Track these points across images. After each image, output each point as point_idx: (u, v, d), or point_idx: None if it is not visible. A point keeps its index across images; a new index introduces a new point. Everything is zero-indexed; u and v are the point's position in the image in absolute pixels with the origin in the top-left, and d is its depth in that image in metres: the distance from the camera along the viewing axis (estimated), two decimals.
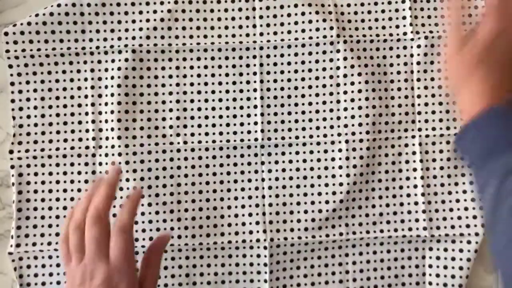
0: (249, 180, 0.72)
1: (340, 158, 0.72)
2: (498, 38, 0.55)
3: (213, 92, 0.72)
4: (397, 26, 0.73)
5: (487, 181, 0.49)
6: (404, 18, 0.72)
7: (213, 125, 0.72)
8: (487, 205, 0.49)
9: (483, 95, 0.54)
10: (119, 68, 0.70)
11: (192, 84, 0.72)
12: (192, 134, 0.72)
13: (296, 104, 0.72)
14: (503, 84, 0.55)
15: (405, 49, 0.73)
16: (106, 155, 0.70)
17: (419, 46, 0.72)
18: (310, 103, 0.72)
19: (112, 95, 0.70)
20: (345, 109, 0.72)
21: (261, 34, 0.72)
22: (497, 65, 0.55)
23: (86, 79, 0.71)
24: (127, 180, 0.70)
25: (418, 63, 0.72)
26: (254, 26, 0.72)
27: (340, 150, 0.72)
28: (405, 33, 0.72)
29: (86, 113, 0.71)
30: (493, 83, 0.55)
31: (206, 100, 0.72)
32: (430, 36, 0.72)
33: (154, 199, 0.71)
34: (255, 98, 0.72)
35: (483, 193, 0.50)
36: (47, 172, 0.71)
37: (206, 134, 0.72)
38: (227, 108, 0.72)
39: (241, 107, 0.72)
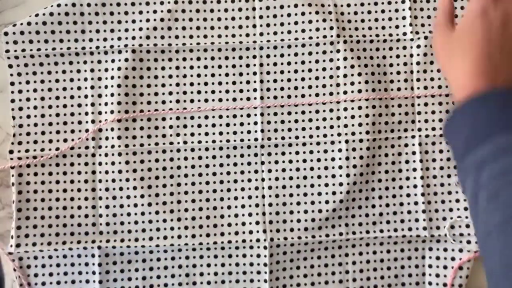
0: (249, 180, 0.72)
1: (340, 158, 0.72)
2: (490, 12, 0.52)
3: (213, 92, 0.72)
4: (397, 26, 0.73)
5: (466, 174, 0.48)
6: (404, 18, 0.73)
7: (213, 125, 0.72)
8: (468, 199, 0.48)
9: (475, 76, 0.51)
10: (119, 68, 0.70)
11: (192, 84, 0.72)
12: (192, 134, 0.72)
13: (296, 104, 0.72)
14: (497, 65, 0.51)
15: (405, 49, 0.73)
16: (106, 155, 0.70)
17: (418, 46, 0.72)
18: (310, 103, 0.72)
19: (112, 95, 0.70)
20: (345, 109, 0.72)
21: (261, 34, 0.72)
22: (495, 44, 0.52)
23: (86, 79, 0.71)
24: (127, 180, 0.70)
25: (418, 63, 0.72)
26: (254, 26, 0.72)
27: (340, 150, 0.72)
28: (404, 33, 0.73)
29: (86, 113, 0.71)
30: (488, 63, 0.51)
31: (206, 100, 0.72)
32: (430, 36, 0.72)
33: (154, 199, 0.71)
34: (255, 98, 0.72)
35: (464, 185, 0.49)
36: (47, 172, 0.71)
37: (206, 134, 0.72)
38: (227, 108, 0.72)
39: (241, 107, 0.72)
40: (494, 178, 0.44)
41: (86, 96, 0.71)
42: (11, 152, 0.70)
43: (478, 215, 0.46)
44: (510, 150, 0.44)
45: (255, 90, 0.72)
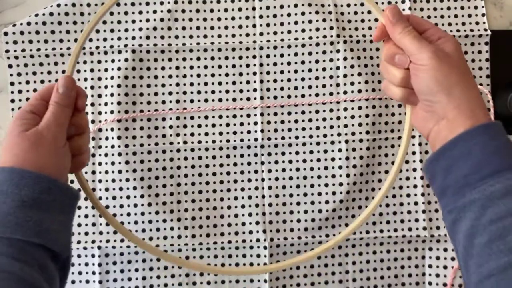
0: (249, 180, 0.72)
1: (340, 158, 0.72)
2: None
3: (213, 92, 0.72)
4: None
5: (464, 211, 0.44)
6: None
7: (213, 125, 0.72)
8: (460, 239, 0.44)
9: (475, 110, 0.46)
10: (119, 68, 0.71)
11: (192, 84, 0.72)
12: (192, 134, 0.72)
13: (296, 104, 0.72)
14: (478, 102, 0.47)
15: None
16: (106, 155, 0.71)
17: None
18: (310, 103, 0.72)
19: (112, 95, 0.70)
20: (345, 109, 0.72)
21: (261, 34, 0.72)
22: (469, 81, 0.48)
23: (86, 79, 0.71)
24: (127, 180, 0.71)
25: None
26: (254, 26, 0.73)
27: (340, 150, 0.72)
28: None
29: (86, 113, 0.71)
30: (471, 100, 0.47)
31: (206, 100, 0.72)
32: None
33: (154, 199, 0.71)
34: (255, 98, 0.72)
35: (457, 224, 0.45)
36: None
37: (206, 134, 0.72)
38: (227, 108, 0.72)
39: (241, 107, 0.72)
40: (500, 219, 0.41)
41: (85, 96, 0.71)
42: None
43: (473, 256, 0.42)
44: None
45: (255, 90, 0.72)
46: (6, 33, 0.70)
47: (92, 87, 0.71)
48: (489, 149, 0.43)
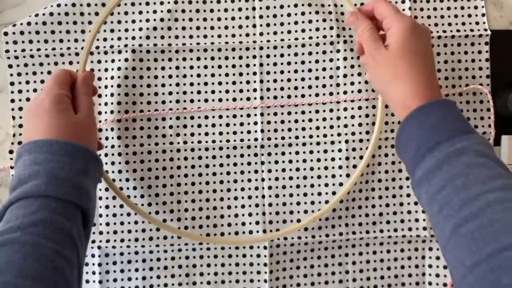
0: (249, 180, 0.73)
1: (340, 158, 0.72)
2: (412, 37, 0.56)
3: (213, 92, 0.72)
4: None
5: (420, 187, 0.52)
6: None
7: (213, 125, 0.72)
8: (425, 210, 0.53)
9: (417, 96, 0.54)
10: (119, 68, 0.71)
11: (192, 84, 0.72)
12: (192, 134, 0.72)
13: (296, 104, 0.72)
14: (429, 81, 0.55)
15: None
16: (106, 155, 0.71)
17: None
18: (310, 103, 0.72)
19: (112, 95, 0.71)
20: (345, 109, 0.72)
21: (261, 34, 0.72)
22: (421, 62, 0.56)
23: None
24: (127, 180, 0.71)
25: None
26: (254, 26, 0.73)
27: (340, 150, 0.72)
28: None
29: None
30: (420, 80, 0.55)
31: (206, 100, 0.72)
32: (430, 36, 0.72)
33: (154, 199, 0.71)
34: (255, 98, 0.72)
35: (420, 198, 0.53)
36: None
37: (206, 134, 0.72)
38: (227, 108, 0.72)
39: (241, 107, 0.72)
40: (443, 187, 0.48)
41: None
42: (11, 152, 0.70)
43: (434, 225, 0.50)
44: (453, 156, 0.49)
45: (255, 90, 0.73)
46: (6, 33, 0.70)
47: None
48: (424, 130, 0.52)
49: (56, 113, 0.54)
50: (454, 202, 0.46)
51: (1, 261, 0.43)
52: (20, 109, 0.71)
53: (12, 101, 0.71)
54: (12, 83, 0.71)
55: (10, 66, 0.71)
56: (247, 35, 0.73)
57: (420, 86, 0.54)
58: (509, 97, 0.71)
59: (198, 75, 0.72)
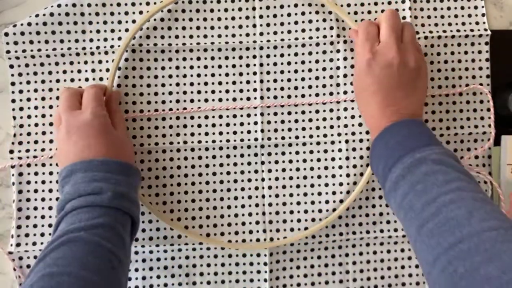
0: (249, 180, 0.73)
1: (340, 158, 0.73)
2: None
3: (213, 92, 0.72)
4: None
5: (389, 198, 0.59)
6: (404, 18, 0.73)
7: (213, 125, 0.72)
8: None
9: (382, 118, 0.62)
10: (119, 68, 0.71)
11: (192, 84, 0.72)
12: (192, 134, 0.72)
13: (296, 104, 0.73)
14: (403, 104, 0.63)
15: None
16: None
17: None
18: (310, 103, 0.73)
19: None
20: (345, 109, 0.72)
21: (261, 34, 0.73)
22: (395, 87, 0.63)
23: (87, 79, 0.71)
24: None
25: None
26: (254, 25, 0.73)
27: (340, 150, 0.73)
28: None
29: None
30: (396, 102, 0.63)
31: (206, 100, 0.72)
32: (430, 36, 0.72)
33: (154, 199, 0.72)
34: (255, 98, 0.73)
35: (392, 207, 0.60)
36: (48, 172, 0.71)
37: (206, 134, 0.72)
38: (227, 108, 0.72)
39: (241, 107, 0.73)
40: (406, 194, 0.55)
41: None
42: (11, 152, 0.71)
43: (405, 230, 0.56)
44: (413, 166, 0.55)
45: (255, 90, 0.73)
46: (6, 34, 0.70)
47: None
48: (389, 148, 0.59)
49: (105, 133, 0.62)
50: (416, 206, 0.53)
51: (66, 255, 0.51)
52: (21, 109, 0.71)
53: (13, 101, 0.71)
54: (13, 83, 0.71)
55: (11, 67, 0.71)
56: (247, 35, 0.73)
57: (379, 107, 0.63)
58: (509, 97, 0.72)
59: (198, 75, 0.72)
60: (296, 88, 0.73)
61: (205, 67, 0.72)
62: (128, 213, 0.59)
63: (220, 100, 0.73)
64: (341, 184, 0.72)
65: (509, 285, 0.40)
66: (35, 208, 0.71)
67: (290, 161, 0.73)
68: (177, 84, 0.72)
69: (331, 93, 0.72)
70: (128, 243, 0.59)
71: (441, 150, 0.57)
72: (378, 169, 0.61)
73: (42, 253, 0.52)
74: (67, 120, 0.62)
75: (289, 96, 0.73)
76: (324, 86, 0.72)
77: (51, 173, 0.71)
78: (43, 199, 0.71)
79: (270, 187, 0.73)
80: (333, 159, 0.73)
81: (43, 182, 0.71)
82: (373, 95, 0.63)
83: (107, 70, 0.71)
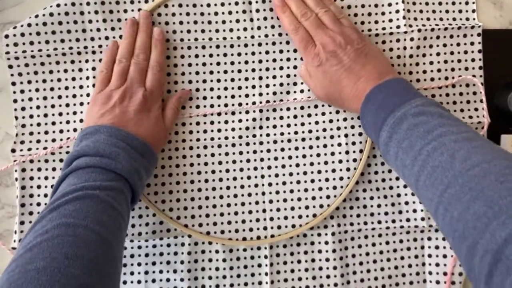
0: (249, 177, 0.74)
1: (340, 153, 0.74)
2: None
3: (211, 89, 0.74)
4: (390, 20, 0.73)
5: (387, 146, 0.61)
6: (397, 11, 0.73)
7: (212, 123, 0.74)
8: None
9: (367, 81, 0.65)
10: None
11: (190, 82, 0.74)
12: (191, 132, 0.74)
13: (294, 99, 0.74)
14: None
15: (398, 42, 0.73)
16: None
17: (412, 39, 0.73)
18: (309, 98, 0.74)
19: None
20: None
21: (259, 28, 0.73)
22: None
23: (88, 78, 0.72)
24: None
25: (411, 56, 0.74)
26: (252, 20, 0.73)
27: (339, 145, 0.74)
28: (398, 26, 0.73)
29: None
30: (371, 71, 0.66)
31: (205, 98, 0.74)
32: (423, 29, 0.73)
33: (153, 198, 0.73)
34: (254, 95, 0.74)
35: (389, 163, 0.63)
36: (51, 168, 0.72)
37: (205, 131, 0.74)
38: (225, 105, 0.74)
39: (240, 104, 0.74)
40: (397, 154, 0.58)
41: (88, 95, 0.72)
42: (13, 151, 0.72)
43: (409, 186, 0.60)
44: (396, 125, 0.58)
45: (253, 86, 0.74)
46: (6, 36, 0.71)
47: (94, 86, 0.72)
48: (373, 114, 0.62)
49: (157, 120, 0.68)
50: (407, 163, 0.56)
51: (83, 209, 0.54)
52: (23, 109, 0.72)
53: (15, 101, 0.72)
54: (13, 83, 0.72)
55: (11, 67, 0.71)
56: (245, 29, 0.73)
57: (356, 98, 0.66)
58: (509, 97, 0.73)
59: (197, 73, 0.73)
60: (295, 84, 0.74)
61: (204, 64, 0.73)
62: (134, 189, 0.63)
63: (219, 97, 0.74)
64: (341, 178, 0.74)
65: (496, 219, 0.42)
66: (38, 204, 0.72)
67: (290, 157, 0.74)
68: (175, 82, 0.74)
69: None
70: (129, 214, 0.64)
71: (419, 102, 0.59)
72: (372, 137, 0.65)
73: (52, 203, 0.55)
74: (131, 91, 0.67)
75: (288, 92, 0.74)
76: None
77: (54, 169, 0.72)
78: (46, 195, 0.72)
79: (270, 184, 0.74)
80: (332, 153, 0.74)
81: (46, 178, 0.72)
82: (339, 90, 0.67)
83: None
